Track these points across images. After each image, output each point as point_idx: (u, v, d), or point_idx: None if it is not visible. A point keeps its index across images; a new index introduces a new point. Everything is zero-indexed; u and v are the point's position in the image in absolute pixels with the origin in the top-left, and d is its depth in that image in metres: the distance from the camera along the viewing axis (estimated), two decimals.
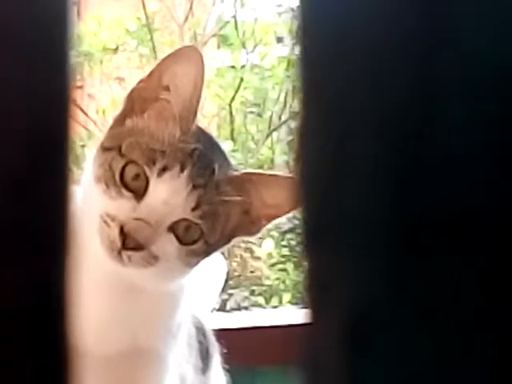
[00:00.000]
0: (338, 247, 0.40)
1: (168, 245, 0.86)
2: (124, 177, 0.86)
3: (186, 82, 0.89)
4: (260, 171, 0.97)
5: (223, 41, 3.27)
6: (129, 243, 0.83)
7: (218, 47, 3.33)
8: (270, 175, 0.94)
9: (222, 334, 1.09)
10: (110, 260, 0.85)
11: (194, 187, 0.86)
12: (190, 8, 3.08)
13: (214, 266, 1.39)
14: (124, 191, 0.85)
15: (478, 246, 0.37)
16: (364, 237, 0.38)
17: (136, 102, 0.90)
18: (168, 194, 0.85)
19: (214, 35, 3.18)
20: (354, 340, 0.38)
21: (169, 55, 0.89)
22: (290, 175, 0.96)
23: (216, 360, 1.07)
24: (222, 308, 2.33)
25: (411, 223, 0.38)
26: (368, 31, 0.38)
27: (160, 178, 0.85)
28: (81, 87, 2.94)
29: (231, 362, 1.10)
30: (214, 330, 1.09)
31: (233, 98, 3.01)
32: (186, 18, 3.07)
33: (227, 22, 3.14)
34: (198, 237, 0.87)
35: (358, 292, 0.38)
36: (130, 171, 0.86)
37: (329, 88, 0.40)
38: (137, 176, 0.86)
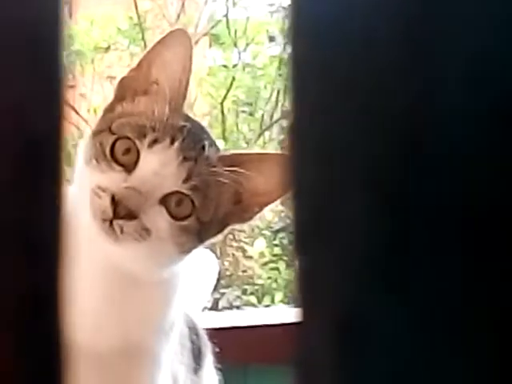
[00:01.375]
0: (328, 246, 0.40)
1: (160, 218, 0.87)
2: (114, 152, 0.88)
3: (174, 64, 0.91)
4: (249, 151, 0.97)
5: (215, 40, 3.27)
6: (120, 211, 0.84)
7: (210, 46, 3.32)
8: (259, 157, 0.94)
9: (215, 333, 1.09)
10: (103, 236, 0.85)
11: (185, 159, 0.87)
12: (182, 7, 3.08)
13: (206, 265, 1.39)
14: (114, 165, 0.87)
15: (465, 245, 0.37)
16: (354, 235, 0.38)
17: (127, 91, 0.92)
18: (159, 165, 0.86)
19: (205, 34, 3.18)
20: (344, 338, 0.38)
21: (158, 41, 0.92)
22: (280, 152, 0.98)
23: (208, 359, 1.07)
24: (214, 307, 2.33)
25: (402, 222, 0.38)
26: (360, 30, 0.38)
27: (150, 150, 0.87)
28: (72, 87, 2.93)
29: (224, 361, 1.10)
30: (207, 329, 1.09)
31: (224, 97, 3.00)
32: (178, 17, 3.07)
33: (219, 21, 3.13)
34: (189, 212, 0.88)
35: (349, 290, 0.38)
36: (121, 146, 0.88)
37: (318, 87, 0.40)
38: (127, 150, 0.88)
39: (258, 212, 0.93)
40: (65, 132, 0.38)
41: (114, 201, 0.84)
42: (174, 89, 0.90)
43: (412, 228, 0.38)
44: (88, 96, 2.96)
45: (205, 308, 1.49)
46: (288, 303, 2.48)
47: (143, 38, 3.01)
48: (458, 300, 0.37)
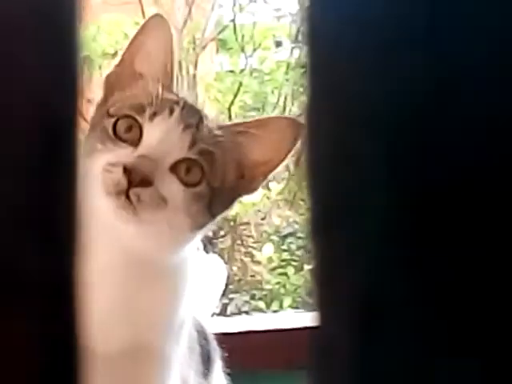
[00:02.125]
0: (345, 233, 0.40)
1: (173, 186, 0.89)
2: (117, 131, 0.90)
3: (156, 51, 0.94)
4: (245, 120, 0.99)
5: (222, 45, 3.27)
6: (135, 178, 0.86)
7: (217, 51, 3.32)
8: (256, 123, 0.96)
9: (223, 338, 1.09)
10: (119, 213, 0.86)
11: (186, 127, 0.91)
12: (189, 12, 3.08)
13: (215, 271, 1.39)
14: (120, 143, 0.89)
15: (485, 230, 0.37)
16: (372, 222, 0.38)
17: (114, 85, 0.94)
18: (162, 134, 0.89)
19: (212, 39, 3.18)
20: (363, 326, 0.38)
21: (136, 32, 0.94)
22: (275, 116, 1.04)
23: (217, 364, 1.07)
24: (222, 312, 2.33)
25: (421, 209, 0.37)
26: (376, 31, 0.38)
27: (152, 123, 0.90)
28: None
29: (232, 366, 1.09)
30: (215, 335, 1.08)
31: (232, 103, 3.00)
32: (185, 23, 3.07)
33: (226, 27, 3.13)
34: (199, 178, 0.91)
35: (367, 278, 0.38)
36: (122, 125, 0.90)
37: (334, 68, 0.40)
38: (129, 128, 0.90)
39: (263, 181, 0.96)
40: (79, 121, 0.38)
41: (126, 171, 0.86)
42: (161, 74, 0.93)
43: (430, 214, 0.37)
44: (95, 102, 2.96)
45: (213, 313, 1.49)
46: (296, 308, 2.47)
47: None
48: (483, 286, 0.37)
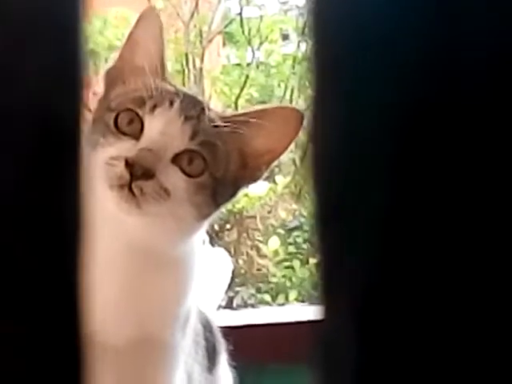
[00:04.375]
0: (347, 224, 0.40)
1: (176, 177, 0.89)
2: (118, 125, 0.90)
3: (149, 43, 0.95)
4: (247, 110, 0.99)
5: (229, 38, 3.27)
6: (137, 171, 0.86)
7: (224, 45, 3.32)
8: (257, 114, 0.96)
9: (229, 332, 1.09)
10: (123, 206, 0.86)
11: (187, 118, 0.91)
12: (196, 5, 3.07)
13: (221, 264, 1.39)
14: (122, 136, 0.89)
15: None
16: (375, 213, 0.38)
17: (115, 79, 0.95)
18: (163, 126, 0.89)
19: (219, 33, 3.18)
20: (366, 316, 0.38)
21: (132, 26, 0.96)
22: (276, 106, 1.04)
23: (223, 357, 1.07)
24: (228, 305, 2.33)
25: (425, 198, 0.37)
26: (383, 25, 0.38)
27: (152, 115, 0.90)
28: (86, 85, 2.94)
29: (238, 359, 1.10)
30: (221, 328, 1.08)
31: (238, 96, 3.00)
32: (192, 16, 3.07)
33: (233, 20, 3.13)
34: (202, 168, 0.91)
35: (371, 267, 0.38)
36: (123, 118, 0.91)
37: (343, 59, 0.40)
38: (131, 121, 0.90)
39: (266, 169, 0.96)
40: (83, 115, 0.38)
41: (128, 165, 0.86)
42: (157, 64, 0.94)
43: (435, 210, 0.37)
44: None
45: (219, 306, 1.49)
46: (302, 301, 2.47)
47: None
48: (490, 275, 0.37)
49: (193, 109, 0.92)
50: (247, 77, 3.00)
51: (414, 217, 0.38)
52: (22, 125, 0.36)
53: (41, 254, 0.37)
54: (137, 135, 0.89)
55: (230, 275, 1.45)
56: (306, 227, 2.66)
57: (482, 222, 0.37)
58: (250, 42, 3.06)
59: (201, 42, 2.94)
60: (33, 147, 0.37)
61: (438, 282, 0.37)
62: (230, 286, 1.57)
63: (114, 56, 0.99)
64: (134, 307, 0.91)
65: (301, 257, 2.65)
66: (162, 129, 0.89)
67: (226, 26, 3.16)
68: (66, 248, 0.38)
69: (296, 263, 2.66)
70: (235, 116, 0.95)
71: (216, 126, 0.92)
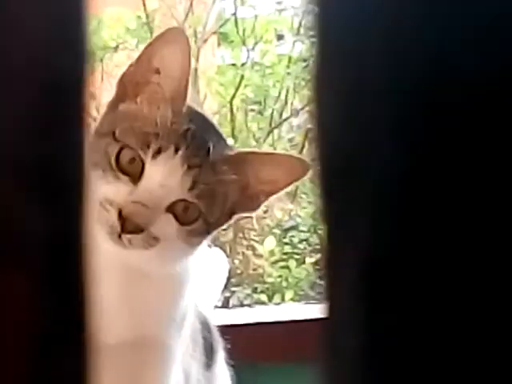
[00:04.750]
0: (354, 190, 0.39)
1: (167, 225, 0.87)
2: (120, 161, 0.88)
3: (174, 64, 0.91)
4: (255, 150, 0.98)
5: (223, 38, 3.26)
6: (128, 226, 0.85)
7: (219, 45, 3.32)
8: (265, 153, 0.96)
9: (226, 330, 1.09)
10: (112, 244, 0.86)
11: (190, 167, 0.88)
12: (190, 6, 3.07)
13: (217, 264, 1.39)
14: (120, 175, 0.87)
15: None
16: (382, 181, 0.38)
17: (128, 87, 0.92)
18: (164, 176, 0.87)
19: (214, 33, 3.17)
20: (371, 285, 0.38)
21: (155, 38, 0.92)
22: (284, 153, 1.02)
23: (220, 356, 1.07)
24: (224, 305, 2.33)
25: (427, 170, 0.37)
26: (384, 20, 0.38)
27: (155, 161, 0.88)
28: None
29: (234, 358, 1.10)
30: (218, 327, 1.09)
31: (233, 96, 3.00)
32: (186, 16, 3.06)
33: (227, 20, 3.13)
34: (196, 216, 0.89)
35: (376, 235, 0.38)
36: (125, 155, 0.88)
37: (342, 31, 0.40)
38: (132, 160, 0.88)
39: (263, 201, 0.95)
40: (88, 79, 0.38)
41: (121, 216, 0.85)
42: (175, 88, 0.90)
43: (440, 175, 0.37)
44: (97, 95, 2.96)
45: (215, 306, 1.49)
46: (298, 301, 2.47)
47: (152, 38, 3.00)
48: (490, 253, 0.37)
49: (197, 155, 0.88)
50: (242, 77, 3.00)
51: (420, 188, 0.38)
52: (22, 83, 0.36)
53: (43, 218, 0.37)
54: (136, 177, 0.87)
55: (226, 275, 1.45)
56: (301, 227, 2.66)
57: (491, 196, 0.37)
58: (244, 43, 3.06)
59: (195, 42, 2.94)
60: (36, 107, 0.37)
61: (450, 256, 0.37)
62: (226, 286, 1.57)
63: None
64: (131, 307, 0.91)
65: (297, 257, 2.64)
66: (161, 180, 0.87)
67: (220, 26, 3.16)
68: (68, 204, 0.38)
69: (292, 263, 2.66)
70: (241, 156, 0.93)
71: (218, 173, 0.90)
